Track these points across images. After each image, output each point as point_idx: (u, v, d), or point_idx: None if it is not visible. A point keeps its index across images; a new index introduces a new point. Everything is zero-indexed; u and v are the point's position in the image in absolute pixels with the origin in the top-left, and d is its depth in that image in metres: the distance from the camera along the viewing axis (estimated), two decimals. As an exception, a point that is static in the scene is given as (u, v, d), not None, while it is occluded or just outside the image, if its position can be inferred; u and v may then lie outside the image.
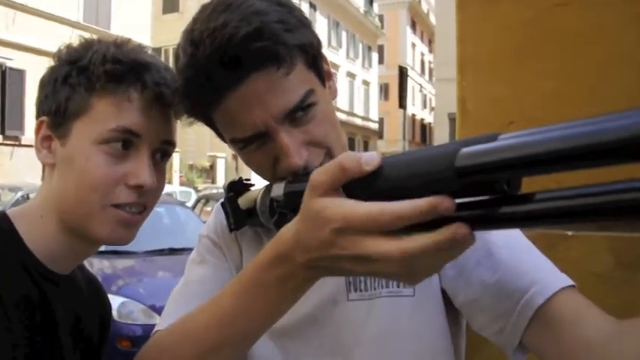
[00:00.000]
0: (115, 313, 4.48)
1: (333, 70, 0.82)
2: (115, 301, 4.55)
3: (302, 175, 0.69)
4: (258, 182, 0.83)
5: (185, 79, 0.71)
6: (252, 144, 0.72)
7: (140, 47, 0.82)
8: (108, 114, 0.75)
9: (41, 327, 0.75)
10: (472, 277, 0.71)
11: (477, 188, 0.43)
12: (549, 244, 0.88)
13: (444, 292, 0.78)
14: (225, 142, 0.79)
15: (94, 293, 0.91)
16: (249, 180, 0.86)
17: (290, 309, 0.62)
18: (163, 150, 0.81)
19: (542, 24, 1.03)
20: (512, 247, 0.70)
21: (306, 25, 0.74)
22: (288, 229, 0.56)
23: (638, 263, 1.03)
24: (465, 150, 0.42)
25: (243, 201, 0.82)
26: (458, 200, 0.43)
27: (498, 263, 0.69)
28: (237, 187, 0.85)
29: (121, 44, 0.79)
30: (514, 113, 1.00)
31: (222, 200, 0.86)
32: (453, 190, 0.43)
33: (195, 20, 0.71)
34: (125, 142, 0.76)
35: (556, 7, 1.02)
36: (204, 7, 0.72)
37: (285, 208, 0.68)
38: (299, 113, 0.70)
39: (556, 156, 0.35)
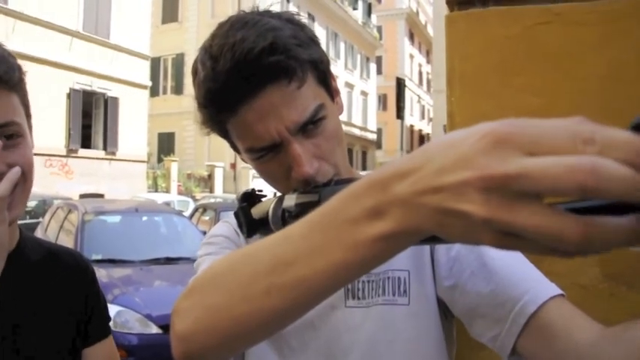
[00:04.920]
0: (110, 322, 4.46)
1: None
2: (111, 310, 4.52)
3: (313, 186, 0.72)
4: (270, 193, 0.85)
5: (205, 91, 0.74)
6: (268, 154, 0.75)
7: None
8: None
9: None
10: (467, 287, 0.73)
11: None
12: (535, 256, 0.89)
13: (440, 302, 0.80)
14: (238, 152, 0.82)
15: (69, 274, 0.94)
16: (261, 191, 0.88)
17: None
18: (3, 133, 0.80)
19: (526, 41, 1.05)
20: (504, 258, 0.72)
21: (316, 42, 0.78)
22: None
23: (624, 275, 1.04)
24: None
25: (255, 211, 0.83)
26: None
27: (492, 274, 0.71)
28: (250, 198, 0.86)
29: None
30: (499, 128, 1.02)
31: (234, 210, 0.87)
32: None
33: (213, 36, 0.75)
34: None
35: (540, 25, 1.04)
36: (221, 25, 0.76)
37: (296, 219, 0.70)
38: (310, 126, 0.74)
39: None
